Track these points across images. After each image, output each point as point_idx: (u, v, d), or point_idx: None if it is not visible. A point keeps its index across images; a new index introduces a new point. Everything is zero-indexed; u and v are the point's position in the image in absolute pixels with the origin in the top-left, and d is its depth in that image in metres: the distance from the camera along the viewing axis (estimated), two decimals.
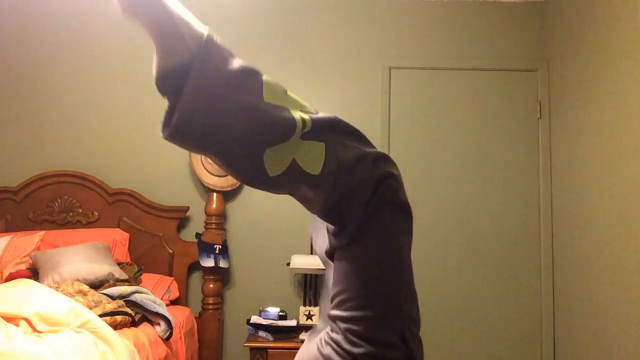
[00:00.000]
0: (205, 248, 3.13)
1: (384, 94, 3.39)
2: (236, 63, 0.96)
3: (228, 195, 3.30)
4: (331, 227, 1.03)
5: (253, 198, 3.35)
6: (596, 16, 2.79)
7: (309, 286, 3.14)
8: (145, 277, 2.93)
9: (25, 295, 1.94)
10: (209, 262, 3.10)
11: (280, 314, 2.97)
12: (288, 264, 3.01)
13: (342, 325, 0.99)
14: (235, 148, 0.94)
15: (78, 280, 2.48)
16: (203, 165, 3.22)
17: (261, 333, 2.89)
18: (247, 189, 3.35)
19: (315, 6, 3.48)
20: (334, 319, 1.01)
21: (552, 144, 3.30)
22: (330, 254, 1.07)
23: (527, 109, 3.38)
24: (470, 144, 3.36)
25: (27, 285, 2.07)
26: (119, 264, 2.85)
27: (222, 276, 3.23)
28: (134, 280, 2.81)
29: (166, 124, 0.94)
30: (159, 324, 2.39)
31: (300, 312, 3.05)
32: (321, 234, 1.09)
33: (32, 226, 3.15)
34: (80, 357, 1.66)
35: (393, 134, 3.35)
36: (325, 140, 1.01)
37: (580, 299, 2.90)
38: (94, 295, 2.25)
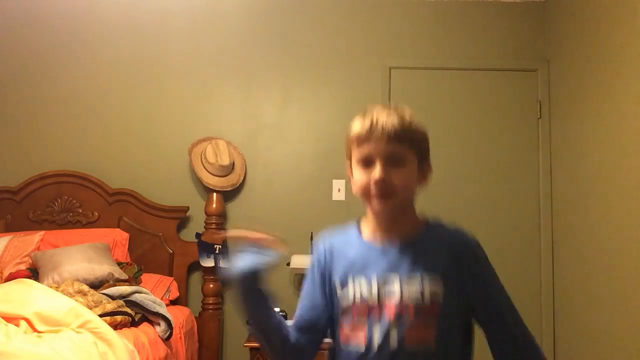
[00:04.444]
0: (205, 248, 3.12)
1: (384, 94, 3.39)
2: None
3: (228, 195, 3.30)
4: None
5: (253, 198, 3.35)
6: (596, 16, 2.79)
7: None
8: (145, 277, 2.93)
9: (25, 295, 1.94)
10: (209, 262, 3.10)
11: (281, 314, 2.96)
12: (288, 264, 3.01)
13: None
14: None
15: (78, 280, 2.48)
16: (203, 165, 3.21)
17: None
18: (247, 189, 3.36)
19: (314, 6, 3.48)
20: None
21: (552, 144, 3.30)
22: None
23: (527, 109, 3.38)
24: (470, 144, 3.36)
25: (27, 285, 2.07)
26: (119, 264, 2.85)
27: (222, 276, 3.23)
28: (134, 280, 2.81)
29: None
30: (159, 324, 2.39)
31: None
32: None
33: (32, 226, 3.15)
34: (80, 357, 1.66)
35: None
36: None
37: (580, 298, 2.90)
38: (94, 295, 2.25)
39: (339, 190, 3.33)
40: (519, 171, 3.34)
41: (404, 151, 1.12)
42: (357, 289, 1.10)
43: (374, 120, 1.10)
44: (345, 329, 1.11)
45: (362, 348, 1.07)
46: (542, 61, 3.39)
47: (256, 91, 3.43)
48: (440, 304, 1.06)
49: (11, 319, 1.81)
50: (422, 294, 1.06)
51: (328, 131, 3.39)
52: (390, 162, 1.10)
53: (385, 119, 1.10)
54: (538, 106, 3.36)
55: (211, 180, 3.20)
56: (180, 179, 3.35)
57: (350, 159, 1.17)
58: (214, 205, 3.19)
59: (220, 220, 3.21)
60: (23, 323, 1.81)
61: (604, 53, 2.70)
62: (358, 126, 1.13)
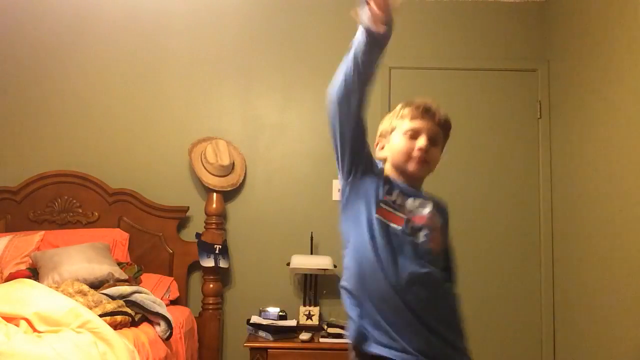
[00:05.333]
0: (205, 248, 3.12)
1: (384, 94, 3.39)
2: None
3: (228, 195, 3.30)
4: None
5: (253, 198, 3.35)
6: (596, 16, 2.79)
7: (309, 286, 3.13)
8: (145, 277, 2.93)
9: (25, 295, 1.93)
10: (209, 262, 3.10)
11: (280, 314, 2.97)
12: (288, 264, 3.01)
13: None
14: None
15: (78, 280, 2.47)
16: (203, 165, 3.22)
17: (261, 333, 2.89)
18: (247, 188, 3.35)
19: (314, 6, 3.48)
20: None
21: (552, 144, 3.30)
22: None
23: (527, 109, 3.38)
24: (470, 144, 3.36)
25: (27, 285, 2.07)
26: (119, 264, 2.85)
27: (222, 276, 3.23)
28: (134, 280, 2.81)
29: None
30: (159, 324, 2.38)
31: (300, 312, 3.05)
32: None
33: (32, 226, 3.15)
34: (80, 357, 1.66)
35: None
36: None
37: (580, 298, 2.90)
38: (94, 295, 2.24)
39: (339, 190, 3.33)
40: (519, 171, 3.34)
41: (441, 136, 1.46)
42: (400, 198, 1.42)
43: (429, 105, 1.43)
44: (385, 211, 1.40)
45: (399, 227, 1.38)
46: (542, 61, 3.39)
47: (256, 91, 3.43)
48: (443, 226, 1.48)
49: (11, 319, 1.81)
50: (436, 217, 1.44)
51: (328, 131, 3.39)
52: (431, 140, 1.43)
53: (437, 108, 1.44)
54: (538, 106, 3.36)
55: (211, 180, 3.20)
56: (180, 179, 3.35)
57: (386, 134, 1.50)
58: (214, 205, 3.19)
59: (220, 220, 3.21)
60: (23, 323, 1.81)
61: (604, 53, 2.70)
62: (412, 106, 1.44)
